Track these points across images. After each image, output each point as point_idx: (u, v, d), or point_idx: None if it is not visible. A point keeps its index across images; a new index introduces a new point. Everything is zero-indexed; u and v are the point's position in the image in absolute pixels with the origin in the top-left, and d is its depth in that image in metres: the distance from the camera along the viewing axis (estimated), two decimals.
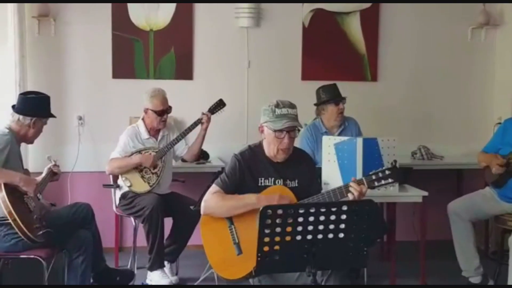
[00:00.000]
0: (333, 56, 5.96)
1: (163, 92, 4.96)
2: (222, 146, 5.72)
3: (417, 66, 6.15)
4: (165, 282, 4.71)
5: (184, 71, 5.82)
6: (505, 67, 6.02)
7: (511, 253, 4.13)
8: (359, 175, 3.93)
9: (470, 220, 4.55)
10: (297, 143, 4.79)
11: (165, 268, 4.83)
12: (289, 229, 2.67)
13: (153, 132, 5.01)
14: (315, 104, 5.00)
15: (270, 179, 3.39)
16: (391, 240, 5.01)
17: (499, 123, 5.36)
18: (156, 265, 4.76)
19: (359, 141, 4.13)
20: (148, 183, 4.86)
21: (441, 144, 6.01)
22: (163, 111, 4.93)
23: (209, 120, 5.02)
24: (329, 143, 4.27)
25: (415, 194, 4.31)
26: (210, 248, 3.35)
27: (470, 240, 4.54)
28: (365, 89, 5.99)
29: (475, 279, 4.53)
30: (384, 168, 3.22)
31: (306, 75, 5.95)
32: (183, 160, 5.26)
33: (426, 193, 4.26)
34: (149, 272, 4.79)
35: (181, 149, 5.13)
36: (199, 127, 5.05)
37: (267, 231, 2.67)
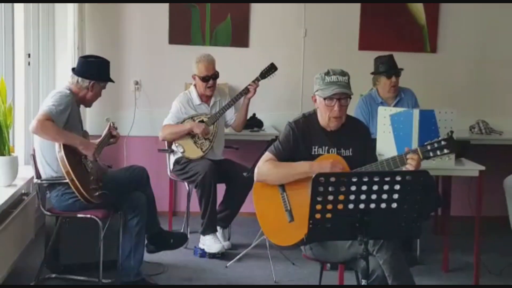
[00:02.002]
0: (392, 26, 5.87)
1: (209, 57, 4.95)
2: (277, 114, 5.72)
3: (478, 39, 6.00)
4: (217, 246, 4.78)
5: (240, 38, 5.82)
6: None
7: None
8: (415, 146, 3.86)
9: None
10: (352, 113, 4.79)
11: (217, 234, 4.90)
12: (341, 197, 2.65)
13: (205, 98, 5.04)
14: (371, 73, 4.94)
15: (323, 147, 3.37)
16: (446, 214, 4.94)
17: None
18: (209, 230, 4.83)
19: (416, 112, 4.07)
20: (201, 148, 4.91)
21: (500, 119, 5.88)
22: (209, 77, 4.93)
23: (255, 90, 4.99)
24: (384, 114, 4.22)
25: (472, 168, 4.23)
26: (262, 214, 3.37)
27: None
28: (423, 61, 5.87)
29: None
30: (440, 139, 3.17)
31: (363, 45, 5.89)
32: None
33: (483, 168, 4.17)
34: (201, 236, 4.87)
35: (230, 117, 5.15)
36: None
37: (319, 198, 2.66)
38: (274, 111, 5.76)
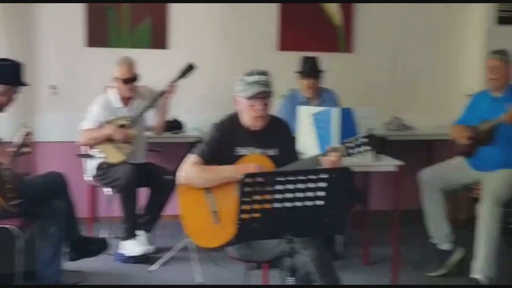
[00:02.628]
0: (309, 26, 5.97)
1: (130, 60, 4.90)
2: (199, 116, 5.69)
3: (392, 39, 6.19)
4: (139, 249, 4.74)
5: (159, 40, 5.77)
6: (477, 41, 6.07)
7: (480, 220, 4.22)
8: (336, 144, 3.95)
9: (441, 188, 4.63)
10: (275, 112, 4.85)
11: (141, 238, 4.84)
12: (268, 197, 2.68)
13: (125, 101, 4.97)
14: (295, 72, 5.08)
15: (248, 148, 3.40)
16: (365, 209, 5.09)
17: (471, 95, 5.43)
18: (130, 234, 4.78)
19: (336, 111, 4.16)
20: (122, 153, 4.83)
21: (413, 116, 6.08)
22: (129, 79, 4.87)
23: (173, 91, 4.95)
24: (306, 113, 4.30)
25: (389, 163, 4.36)
26: (188, 216, 3.36)
27: (441, 208, 4.62)
28: (340, 60, 6.01)
29: (445, 246, 4.63)
30: (361, 135, 3.26)
31: (283, 46, 5.96)
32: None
33: (400, 162, 4.31)
34: (122, 242, 4.80)
35: (150, 119, 5.09)
36: None
37: (246, 199, 2.67)
38: (196, 112, 5.74)
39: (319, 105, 4.85)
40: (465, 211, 5.20)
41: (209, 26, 5.86)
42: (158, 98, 4.95)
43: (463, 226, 4.97)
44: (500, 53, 4.53)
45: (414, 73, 6.24)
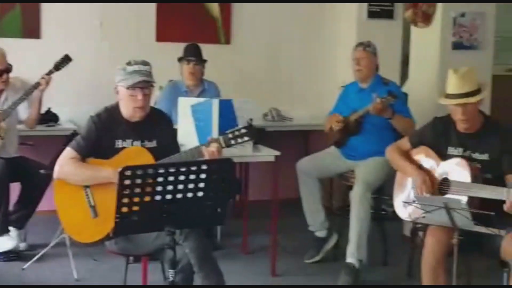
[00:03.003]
0: (188, 18, 5.94)
1: (1, 50, 4.69)
2: (74, 108, 5.52)
3: (268, 31, 6.28)
4: (10, 243, 4.55)
5: (31, 29, 5.53)
6: (349, 34, 6.30)
7: (352, 206, 4.40)
8: (215, 135, 3.99)
9: (316, 177, 4.77)
10: (156, 102, 4.81)
11: (13, 235, 4.65)
12: (148, 189, 2.66)
13: None
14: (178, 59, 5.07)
15: (127, 140, 3.35)
16: (244, 199, 5.17)
17: (343, 87, 5.65)
18: (1, 231, 4.57)
19: (215, 102, 4.18)
20: None
21: (290, 107, 6.22)
22: (1, 71, 4.67)
23: (47, 83, 4.78)
24: (185, 104, 4.29)
25: (268, 154, 4.44)
26: (64, 211, 3.27)
27: (317, 196, 4.76)
28: (219, 52, 6.03)
29: (321, 233, 4.78)
30: (240, 127, 3.30)
31: (161, 37, 5.90)
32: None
33: (278, 153, 4.40)
34: None
35: (22, 112, 4.87)
36: None
37: (126, 192, 2.64)
38: (72, 105, 5.56)
39: (201, 96, 4.86)
40: (340, 199, 5.40)
41: (83, 16, 5.69)
42: (31, 91, 4.75)
43: (338, 213, 5.16)
44: (365, 45, 4.71)
45: (290, 65, 6.38)
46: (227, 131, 3.31)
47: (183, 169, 2.68)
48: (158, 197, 2.68)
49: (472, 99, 3.47)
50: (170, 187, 2.68)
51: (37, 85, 4.74)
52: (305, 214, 4.80)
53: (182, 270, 3.23)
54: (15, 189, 4.73)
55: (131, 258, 3.79)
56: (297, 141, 6.33)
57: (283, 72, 6.36)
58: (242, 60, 6.19)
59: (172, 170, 2.66)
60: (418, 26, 5.33)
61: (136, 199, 2.66)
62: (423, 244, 3.56)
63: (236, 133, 3.29)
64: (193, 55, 5.02)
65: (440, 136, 3.70)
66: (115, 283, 4.24)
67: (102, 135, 3.33)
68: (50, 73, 4.77)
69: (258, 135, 3.29)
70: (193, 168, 2.70)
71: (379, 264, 4.70)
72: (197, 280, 3.27)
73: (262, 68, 6.27)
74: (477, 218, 3.06)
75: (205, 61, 5.09)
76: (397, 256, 4.80)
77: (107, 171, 3.23)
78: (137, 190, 2.65)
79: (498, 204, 3.24)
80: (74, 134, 4.56)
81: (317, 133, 6.15)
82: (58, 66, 4.81)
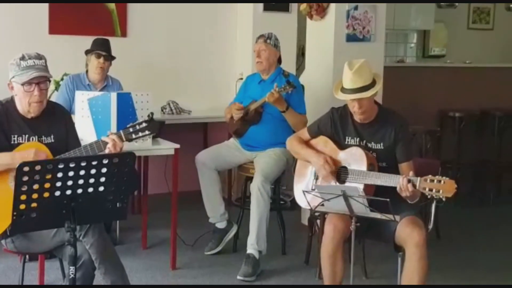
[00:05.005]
0: (82, 10, 5.77)
1: None
2: None
3: (166, 23, 6.23)
4: None
5: None
6: (245, 27, 6.38)
7: (252, 197, 4.46)
8: (114, 129, 3.94)
9: (216, 169, 4.79)
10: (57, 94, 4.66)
11: None
12: (47, 185, 2.60)
13: None
14: (85, 52, 4.93)
15: (24, 136, 3.24)
16: (144, 193, 5.12)
17: (241, 79, 5.71)
18: None
19: (113, 95, 4.12)
20: None
21: (189, 99, 6.20)
22: None
23: None
24: (82, 98, 4.20)
25: (168, 147, 4.41)
26: None
27: (216, 188, 4.78)
28: (116, 45, 5.85)
29: (221, 224, 4.81)
30: (141, 120, 3.27)
31: (54, 29, 5.70)
32: None
33: (178, 146, 4.39)
34: None
35: None
36: None
37: (23, 188, 2.56)
38: None
39: (104, 91, 4.76)
40: (239, 190, 5.46)
41: None
42: None
43: (237, 204, 5.21)
44: (265, 37, 4.77)
45: (188, 58, 6.36)
46: (128, 125, 3.26)
47: (83, 164, 2.63)
48: (57, 193, 2.63)
49: (367, 94, 3.60)
50: (70, 183, 2.63)
51: None
52: (205, 206, 4.81)
53: (83, 266, 3.17)
54: None
55: (27, 256, 3.69)
56: (196, 134, 6.34)
57: (181, 64, 6.33)
58: (140, 53, 6.11)
59: (72, 165, 2.61)
60: (313, 19, 5.45)
61: (35, 196, 2.59)
62: (320, 232, 3.67)
63: (137, 127, 3.25)
64: (105, 49, 4.89)
65: (337, 126, 3.82)
66: (10, 283, 4.10)
67: None
68: None
69: (158, 128, 3.26)
70: (94, 163, 2.66)
71: (278, 253, 4.79)
72: (98, 275, 3.23)
73: (160, 61, 6.22)
74: (373, 205, 3.19)
75: (114, 58, 4.98)
76: (295, 245, 4.92)
77: (4, 157, 3.12)
78: (36, 186, 2.58)
79: (392, 191, 3.39)
80: None
81: (215, 125, 6.20)
82: None
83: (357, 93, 3.58)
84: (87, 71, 4.94)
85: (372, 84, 3.63)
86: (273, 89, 4.48)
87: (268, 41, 4.74)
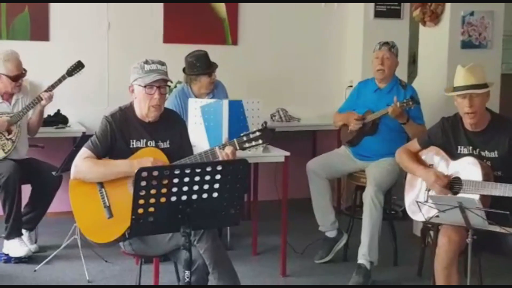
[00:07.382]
0: (194, 20, 5.93)
1: (17, 55, 4.69)
2: (83, 110, 5.55)
3: (275, 31, 6.28)
4: (23, 250, 4.56)
5: (39, 31, 5.54)
6: (356, 34, 6.31)
7: (365, 207, 4.40)
8: (225, 136, 4.00)
9: (326, 177, 4.76)
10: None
11: (23, 237, 4.66)
12: (164, 190, 2.66)
13: (6, 96, 4.75)
14: (184, 72, 4.97)
15: (142, 140, 3.35)
16: (254, 199, 5.17)
17: (351, 86, 5.65)
18: (14, 233, 4.59)
19: (225, 103, 4.19)
20: (3, 149, 4.62)
21: (298, 107, 6.21)
22: (18, 76, 4.68)
23: (50, 98, 4.70)
24: (195, 105, 4.30)
25: (278, 154, 4.44)
26: (80, 212, 3.27)
27: (327, 196, 4.75)
28: (226, 53, 6.04)
29: (331, 233, 4.77)
30: (255, 130, 3.29)
31: (168, 38, 5.90)
32: None
33: (288, 153, 4.40)
34: (5, 241, 4.61)
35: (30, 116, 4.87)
36: None
37: (142, 193, 2.64)
38: (80, 107, 5.58)
39: (211, 97, 4.83)
40: (348, 199, 5.40)
41: (91, 18, 5.70)
42: (35, 103, 4.72)
43: (347, 213, 5.16)
44: (390, 45, 4.69)
45: (297, 65, 6.36)
46: (242, 134, 3.28)
47: (198, 170, 2.68)
48: (173, 198, 2.68)
49: (478, 91, 3.49)
50: (185, 188, 2.68)
51: (39, 99, 4.71)
52: (315, 214, 4.79)
53: (197, 270, 3.23)
54: (25, 190, 4.73)
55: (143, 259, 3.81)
56: (305, 141, 6.33)
57: (290, 72, 6.35)
58: (249, 61, 6.18)
59: (187, 171, 2.66)
60: (427, 26, 5.33)
61: (152, 200, 2.66)
62: (434, 243, 3.56)
63: (251, 135, 3.26)
64: (211, 64, 4.91)
65: (449, 135, 3.71)
66: (127, 284, 4.25)
67: (117, 134, 3.34)
68: (59, 81, 4.72)
69: (271, 137, 3.28)
70: (208, 169, 2.70)
71: (389, 264, 4.69)
72: (212, 280, 3.28)
73: (270, 69, 6.26)
74: (490, 217, 3.06)
75: (217, 66, 5.01)
76: (407, 256, 4.80)
77: (124, 165, 3.24)
78: (153, 191, 2.65)
79: (510, 202, 3.24)
80: (84, 135, 4.59)
81: (324, 133, 6.17)
82: (71, 72, 4.76)
83: (468, 89, 3.49)
84: (190, 86, 4.92)
85: (484, 85, 3.51)
86: (394, 104, 4.40)
87: (392, 49, 4.67)
